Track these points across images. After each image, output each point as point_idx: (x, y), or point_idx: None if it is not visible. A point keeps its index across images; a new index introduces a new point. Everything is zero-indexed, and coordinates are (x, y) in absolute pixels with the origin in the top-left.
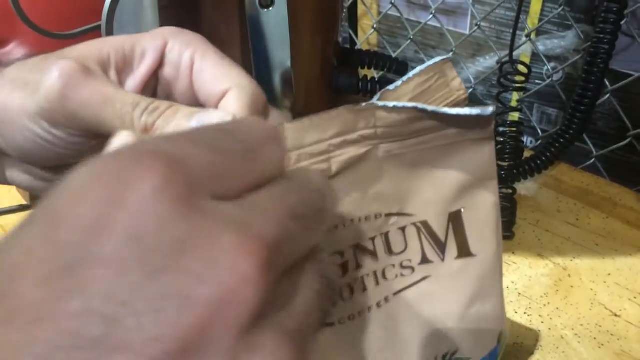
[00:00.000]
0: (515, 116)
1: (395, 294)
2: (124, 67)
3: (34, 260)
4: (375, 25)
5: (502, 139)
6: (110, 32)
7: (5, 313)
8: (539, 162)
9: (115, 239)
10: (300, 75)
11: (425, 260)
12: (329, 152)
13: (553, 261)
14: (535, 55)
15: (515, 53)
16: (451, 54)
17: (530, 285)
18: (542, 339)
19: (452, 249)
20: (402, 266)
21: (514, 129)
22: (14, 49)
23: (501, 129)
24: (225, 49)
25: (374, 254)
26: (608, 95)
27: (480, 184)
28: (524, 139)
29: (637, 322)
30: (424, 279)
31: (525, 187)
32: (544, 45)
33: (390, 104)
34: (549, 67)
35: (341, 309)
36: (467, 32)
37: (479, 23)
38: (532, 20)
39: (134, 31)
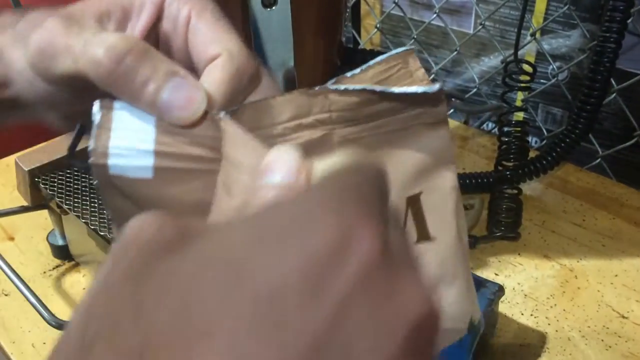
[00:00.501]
0: (520, 116)
1: None
2: (123, 20)
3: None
4: (378, 25)
5: (507, 139)
6: None
7: None
8: (544, 162)
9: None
10: (303, 75)
11: None
12: (285, 135)
13: (559, 262)
14: (540, 55)
15: (520, 52)
16: (455, 53)
17: (536, 286)
18: (548, 341)
19: (411, 233)
20: None
21: (519, 129)
22: None
23: (506, 128)
24: None
25: None
26: (614, 94)
27: (438, 167)
28: (529, 139)
29: None
30: None
31: (530, 188)
32: (549, 44)
33: (342, 87)
34: (554, 67)
35: None
36: (471, 31)
37: (483, 22)
38: (536, 19)
39: None
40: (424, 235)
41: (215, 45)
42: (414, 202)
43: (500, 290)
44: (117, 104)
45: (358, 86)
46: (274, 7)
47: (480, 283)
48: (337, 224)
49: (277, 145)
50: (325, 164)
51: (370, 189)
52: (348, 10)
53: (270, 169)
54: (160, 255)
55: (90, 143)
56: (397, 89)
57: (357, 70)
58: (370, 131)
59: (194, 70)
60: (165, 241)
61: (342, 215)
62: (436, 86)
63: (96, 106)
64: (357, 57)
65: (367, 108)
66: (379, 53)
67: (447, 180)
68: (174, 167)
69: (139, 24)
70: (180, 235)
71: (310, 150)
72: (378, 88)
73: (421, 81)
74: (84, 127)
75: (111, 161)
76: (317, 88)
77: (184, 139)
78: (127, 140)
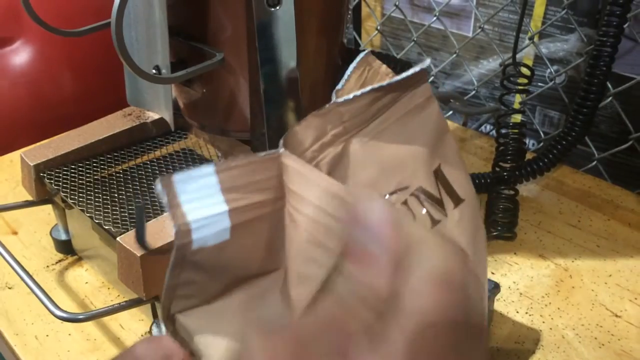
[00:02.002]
0: (517, 118)
1: None
2: None
3: None
4: (379, 27)
5: (504, 141)
6: (119, 30)
7: None
8: (541, 164)
9: None
10: (305, 75)
11: (435, 221)
12: (314, 158)
13: (554, 262)
14: (538, 58)
15: (518, 56)
16: (454, 56)
17: (531, 285)
18: (543, 339)
19: (448, 201)
20: None
21: (516, 131)
22: (20, 47)
23: (503, 130)
24: (232, 47)
25: None
26: (610, 98)
27: (442, 137)
28: (526, 141)
29: (638, 322)
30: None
31: (527, 189)
32: (547, 48)
33: (350, 96)
34: (552, 70)
35: None
36: (470, 34)
37: (482, 25)
38: (535, 23)
39: (143, 29)
40: (457, 199)
41: None
42: (438, 174)
43: (495, 287)
44: (175, 177)
45: (365, 89)
46: (278, 7)
47: None
48: None
49: (365, 191)
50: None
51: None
52: (350, 12)
53: (363, 222)
54: None
55: (172, 225)
56: (398, 77)
57: (341, 84)
58: (379, 127)
59: None
60: None
61: None
62: (426, 62)
63: (158, 187)
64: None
65: (372, 107)
66: (380, 54)
67: (451, 145)
68: (246, 220)
69: None
70: None
71: (336, 164)
72: (384, 83)
73: (387, 75)
74: (143, 211)
75: (195, 236)
76: (326, 106)
77: (249, 188)
78: (201, 210)
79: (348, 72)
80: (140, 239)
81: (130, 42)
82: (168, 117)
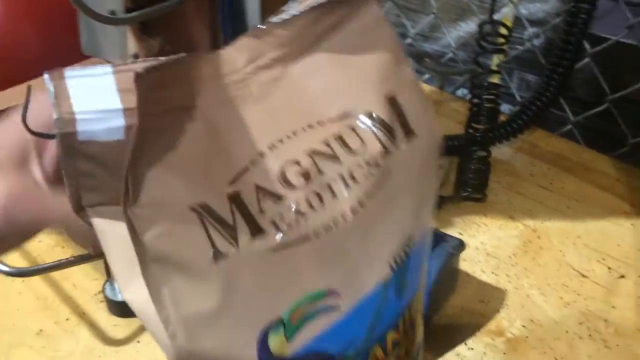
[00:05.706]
0: (494, 80)
1: (368, 196)
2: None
3: None
4: None
5: (477, 102)
6: None
7: None
8: (514, 125)
9: None
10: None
11: (386, 151)
12: (245, 79)
13: (524, 223)
14: (517, 20)
15: (497, 17)
16: (432, 17)
17: (499, 245)
18: (508, 298)
19: (399, 132)
20: (367, 164)
21: (492, 91)
22: None
23: (477, 91)
24: None
25: (334, 157)
26: (587, 60)
27: (397, 65)
28: (502, 106)
29: (604, 282)
30: (389, 173)
31: (500, 151)
32: (526, 9)
33: (288, 15)
34: (530, 32)
35: (314, 219)
36: None
37: None
38: None
39: None
40: (408, 130)
41: None
42: (393, 102)
43: (461, 245)
44: (67, 72)
45: (303, 7)
46: None
47: (440, 237)
48: None
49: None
50: None
51: None
52: None
53: None
54: None
55: (53, 114)
56: None
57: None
58: (323, 50)
59: None
60: None
61: None
62: None
63: (46, 78)
64: None
65: (314, 29)
66: None
67: (409, 76)
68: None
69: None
70: None
71: (271, 87)
72: (313, 3)
73: None
74: (30, 91)
75: (80, 127)
76: (260, 26)
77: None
78: (93, 104)
79: None
80: (24, 118)
81: None
82: None
